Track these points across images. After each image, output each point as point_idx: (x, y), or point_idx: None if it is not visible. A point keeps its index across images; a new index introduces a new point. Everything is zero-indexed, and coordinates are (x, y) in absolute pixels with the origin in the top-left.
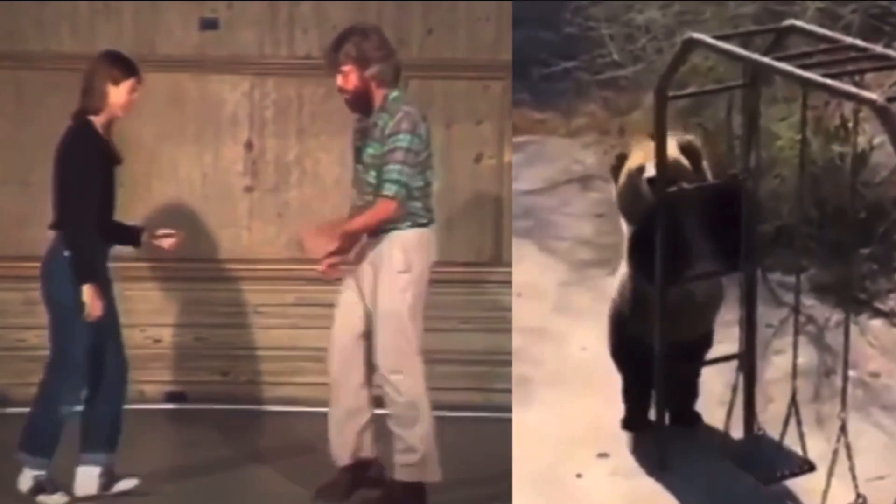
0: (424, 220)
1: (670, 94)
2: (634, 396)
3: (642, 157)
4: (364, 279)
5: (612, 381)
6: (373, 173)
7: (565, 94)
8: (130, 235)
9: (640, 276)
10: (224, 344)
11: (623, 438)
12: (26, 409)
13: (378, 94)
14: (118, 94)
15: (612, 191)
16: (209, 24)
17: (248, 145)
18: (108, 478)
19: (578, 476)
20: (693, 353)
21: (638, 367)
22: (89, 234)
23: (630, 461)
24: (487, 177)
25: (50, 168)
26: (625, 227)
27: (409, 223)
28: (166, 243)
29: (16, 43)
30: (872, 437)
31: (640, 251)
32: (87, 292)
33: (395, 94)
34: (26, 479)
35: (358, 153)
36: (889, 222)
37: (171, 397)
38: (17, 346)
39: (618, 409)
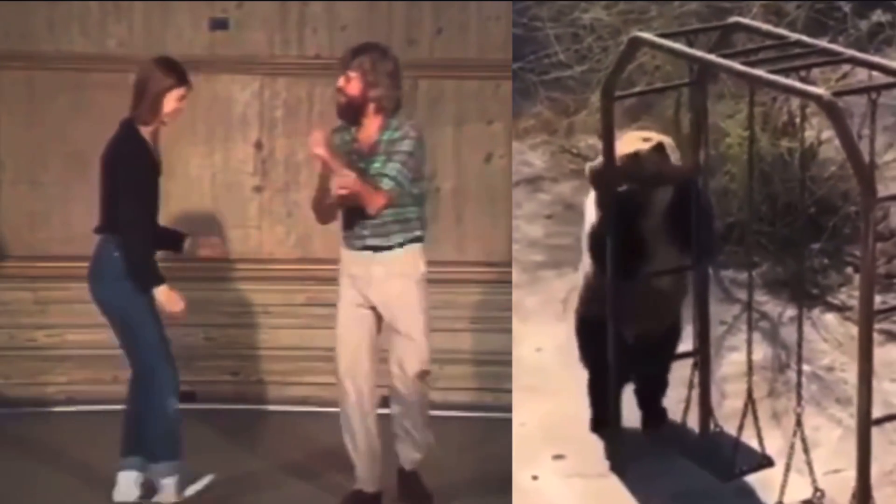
0: (422, 234)
1: (617, 93)
2: (602, 395)
3: (635, 142)
4: (375, 289)
5: (567, 381)
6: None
7: (511, 95)
8: (173, 241)
9: (598, 269)
10: (234, 344)
11: (579, 439)
12: (38, 409)
13: (375, 116)
14: (169, 101)
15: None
16: (219, 25)
17: (258, 145)
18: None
19: (534, 478)
20: (661, 347)
21: (605, 362)
22: (146, 238)
23: (586, 462)
24: (497, 176)
25: (61, 168)
26: (589, 217)
27: (420, 233)
28: (208, 252)
29: (27, 43)
30: (828, 431)
31: (599, 243)
32: (162, 294)
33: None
34: (130, 487)
35: (364, 173)
36: (839, 217)
37: (180, 397)
38: (28, 345)
39: (573, 410)
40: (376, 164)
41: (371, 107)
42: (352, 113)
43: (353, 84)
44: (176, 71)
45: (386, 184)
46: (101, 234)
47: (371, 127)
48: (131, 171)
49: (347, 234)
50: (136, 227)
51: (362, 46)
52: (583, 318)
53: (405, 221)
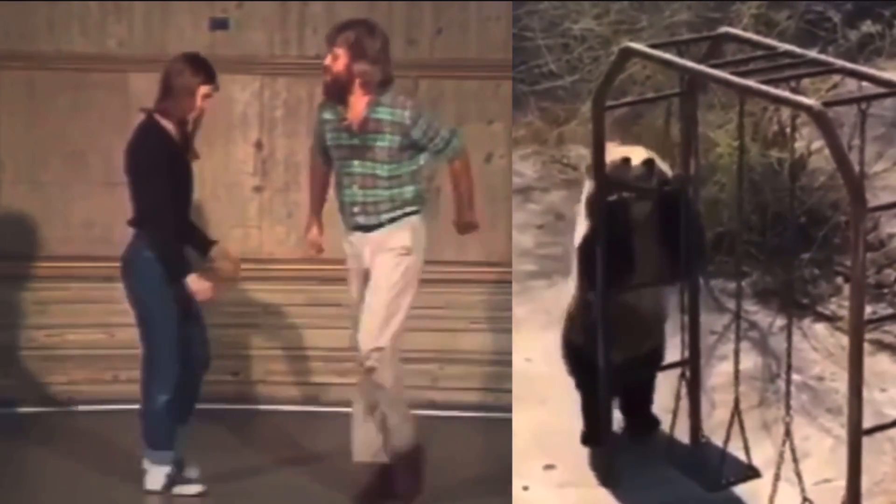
0: (418, 209)
1: (608, 103)
2: (594, 411)
3: (625, 151)
4: (366, 260)
5: (558, 391)
6: (387, 167)
7: (511, 95)
8: (202, 244)
9: (585, 284)
10: (234, 344)
11: (570, 449)
12: (38, 409)
13: (362, 93)
14: (195, 98)
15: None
16: (219, 25)
17: (258, 145)
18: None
19: (525, 489)
20: (645, 367)
21: (594, 381)
22: (167, 227)
23: (577, 472)
24: (497, 176)
25: (61, 168)
26: (578, 232)
27: (417, 208)
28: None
29: (27, 43)
30: (819, 441)
31: (588, 257)
32: (192, 284)
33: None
34: (156, 478)
35: (356, 150)
36: (829, 226)
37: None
38: (29, 345)
39: (564, 420)
40: (382, 144)
41: (357, 82)
42: (338, 90)
43: (338, 60)
44: (205, 68)
45: (455, 151)
46: (132, 227)
47: (359, 104)
48: (145, 161)
49: (342, 214)
50: (156, 218)
51: (348, 22)
52: (568, 341)
53: (398, 200)
